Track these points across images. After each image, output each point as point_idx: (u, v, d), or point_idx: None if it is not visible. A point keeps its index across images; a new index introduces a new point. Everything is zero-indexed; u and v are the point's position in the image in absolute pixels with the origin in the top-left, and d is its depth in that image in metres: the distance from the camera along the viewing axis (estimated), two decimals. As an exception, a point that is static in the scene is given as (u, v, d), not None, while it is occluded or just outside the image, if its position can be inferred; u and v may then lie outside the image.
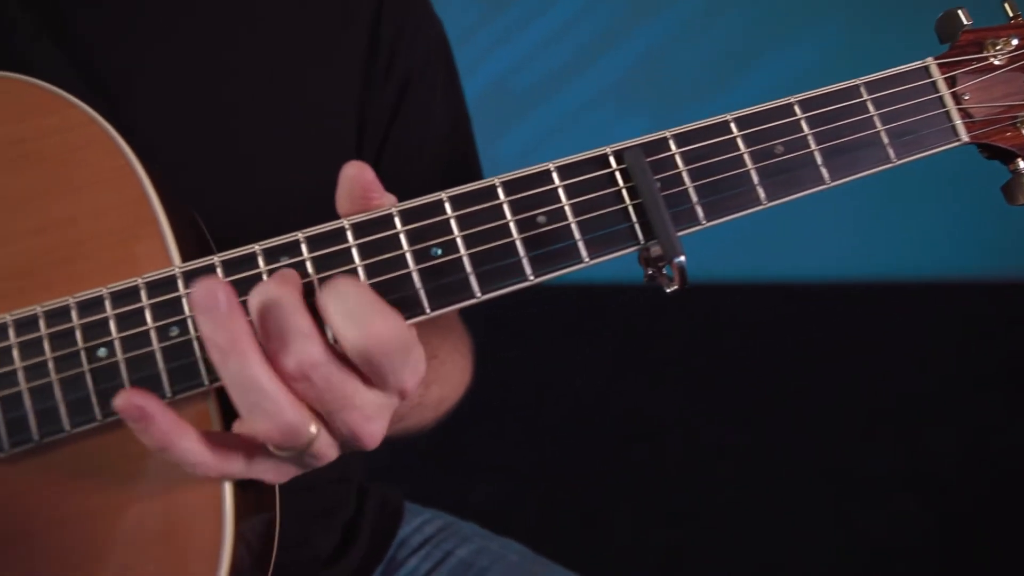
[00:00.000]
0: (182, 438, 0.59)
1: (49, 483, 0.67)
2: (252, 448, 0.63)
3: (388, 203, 0.67)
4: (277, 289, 0.60)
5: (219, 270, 0.67)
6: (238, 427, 0.64)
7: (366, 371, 0.60)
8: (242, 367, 0.58)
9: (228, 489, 0.66)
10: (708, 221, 0.69)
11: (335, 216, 0.94)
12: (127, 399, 0.57)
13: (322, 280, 0.66)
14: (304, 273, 0.66)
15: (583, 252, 0.68)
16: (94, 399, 0.65)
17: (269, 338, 0.59)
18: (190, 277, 0.66)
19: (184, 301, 0.66)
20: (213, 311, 0.58)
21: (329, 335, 0.61)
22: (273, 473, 0.64)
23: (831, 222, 2.57)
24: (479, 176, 1.04)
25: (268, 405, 0.58)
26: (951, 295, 2.86)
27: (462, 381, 0.98)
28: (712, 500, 2.33)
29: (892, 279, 2.97)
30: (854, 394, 2.58)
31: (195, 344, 0.66)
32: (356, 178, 0.65)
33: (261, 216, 0.87)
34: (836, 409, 2.54)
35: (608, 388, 2.70)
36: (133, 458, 0.67)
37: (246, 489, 0.68)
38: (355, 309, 0.58)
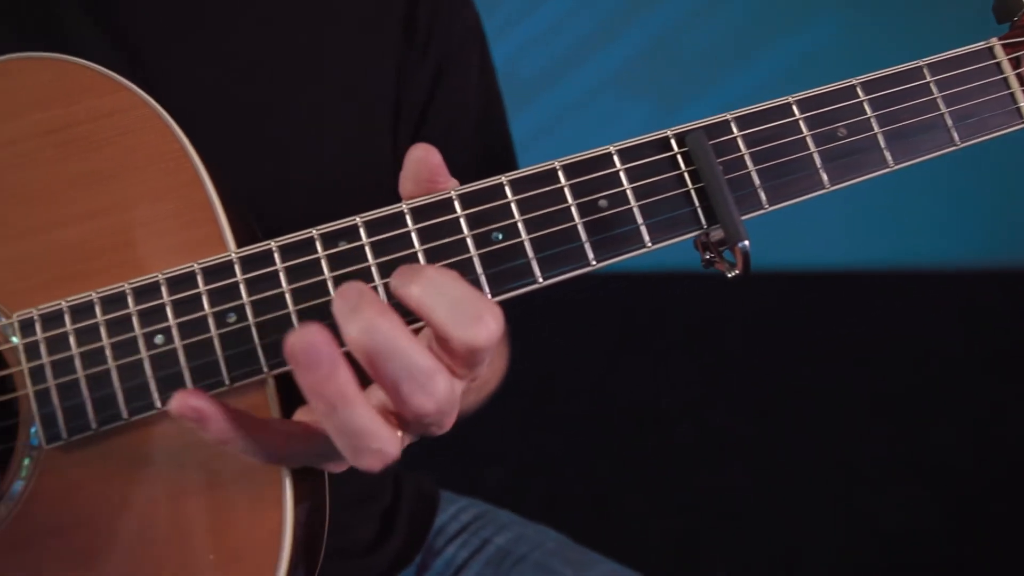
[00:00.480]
0: (240, 432, 0.58)
1: (107, 471, 0.65)
2: (313, 435, 0.61)
3: (451, 187, 0.66)
4: (386, 326, 0.53)
5: (276, 255, 0.65)
6: (303, 415, 0.63)
7: (462, 365, 0.58)
8: (351, 417, 0.54)
9: (288, 479, 0.65)
10: (771, 205, 0.69)
11: (372, 200, 0.93)
12: (183, 401, 0.55)
13: (381, 266, 0.64)
14: (363, 258, 0.65)
15: (645, 236, 0.67)
16: (152, 386, 0.64)
17: (385, 386, 0.55)
18: (247, 263, 0.65)
19: (241, 287, 0.65)
20: (315, 368, 0.52)
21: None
22: (336, 462, 0.63)
23: (835, 211, 2.57)
24: (513, 158, 1.03)
25: (376, 445, 0.56)
26: (956, 283, 2.87)
27: (501, 366, 0.97)
28: (721, 489, 2.33)
29: (897, 268, 2.98)
30: (861, 382, 2.59)
31: (253, 331, 0.65)
32: (423, 160, 0.64)
33: (297, 200, 0.87)
34: (843, 398, 2.54)
35: (614, 378, 2.69)
36: (190, 447, 0.66)
37: (302, 478, 0.67)
38: (463, 304, 0.55)
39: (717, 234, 0.69)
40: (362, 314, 0.53)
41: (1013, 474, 2.27)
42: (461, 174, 0.97)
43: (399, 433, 0.58)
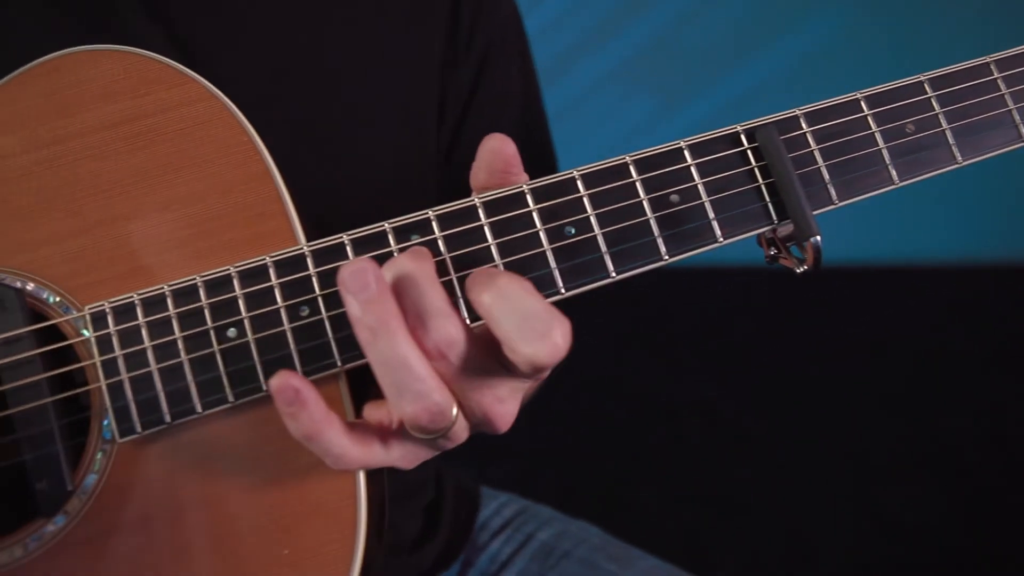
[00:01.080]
0: (329, 428, 0.58)
1: (178, 466, 0.65)
2: (387, 434, 0.61)
3: (523, 180, 0.66)
4: (412, 264, 0.58)
5: (348, 249, 0.65)
6: (372, 412, 0.63)
7: (523, 375, 0.58)
8: (392, 346, 0.56)
9: (362, 477, 0.65)
10: (841, 201, 0.69)
11: (416, 199, 0.93)
12: (285, 379, 0.56)
13: (454, 260, 0.64)
14: (436, 252, 0.64)
15: (717, 231, 0.67)
16: (225, 380, 0.64)
17: (406, 316, 0.57)
18: (319, 256, 0.65)
19: (314, 280, 0.65)
20: (363, 292, 0.56)
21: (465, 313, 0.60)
22: (407, 459, 0.63)
23: (844, 208, 2.58)
24: (552, 149, 1.03)
25: (417, 386, 0.57)
26: (964, 278, 2.88)
27: None
28: (730, 484, 2.34)
29: (903, 264, 2.99)
30: (870, 377, 2.60)
31: (326, 324, 0.64)
32: (498, 151, 0.64)
33: (343, 199, 0.86)
34: (852, 392, 2.55)
35: (623, 372, 2.70)
36: (262, 442, 0.66)
37: (372, 476, 0.66)
38: (531, 319, 0.55)
39: (785, 229, 0.69)
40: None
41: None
42: None
43: (449, 391, 0.58)
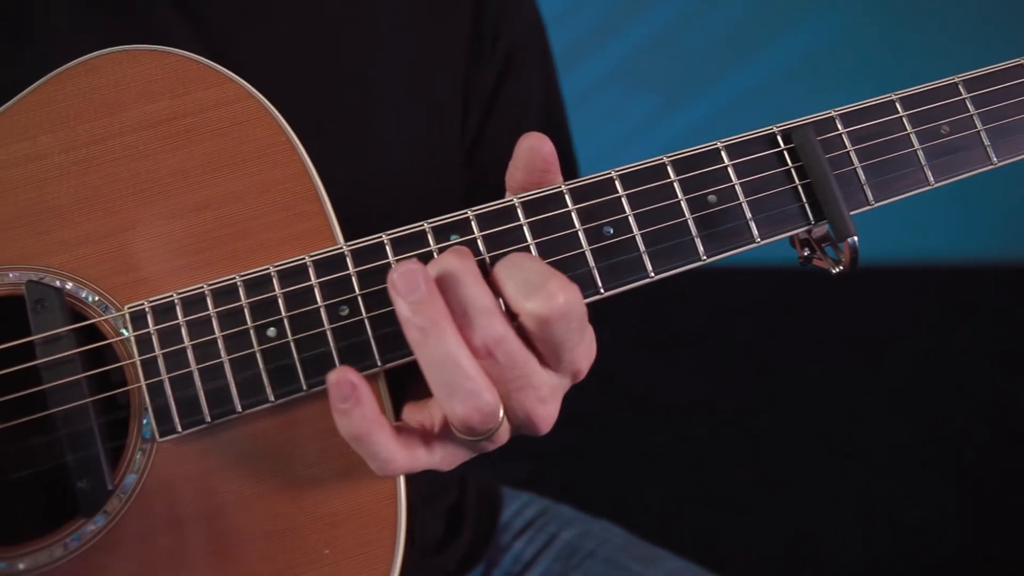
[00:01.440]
0: (380, 430, 0.58)
1: (217, 465, 0.65)
2: (430, 437, 0.62)
3: (559, 180, 0.66)
4: (457, 262, 0.59)
5: (388, 248, 0.65)
6: (413, 414, 0.63)
7: (543, 347, 0.59)
8: (443, 346, 0.56)
9: (402, 478, 0.65)
10: (876, 202, 0.69)
11: (442, 192, 0.93)
12: (344, 374, 0.56)
13: (493, 259, 0.65)
14: (475, 252, 0.65)
15: (755, 232, 0.68)
16: (266, 379, 0.64)
17: (452, 314, 0.58)
18: (358, 256, 0.65)
19: (354, 280, 0.65)
20: (413, 293, 0.56)
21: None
22: (448, 461, 0.63)
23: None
24: (573, 151, 1.03)
25: (469, 385, 0.57)
26: (970, 278, 2.89)
27: None
28: (736, 482, 2.34)
29: (907, 263, 3.00)
30: (874, 376, 2.60)
31: (366, 324, 0.65)
32: (536, 149, 0.64)
33: (370, 192, 0.86)
34: (857, 391, 2.56)
35: (628, 372, 2.70)
36: (300, 442, 0.66)
37: (408, 476, 0.67)
38: (533, 278, 0.58)
39: (820, 230, 0.69)
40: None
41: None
42: None
43: (498, 397, 0.58)
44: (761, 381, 2.62)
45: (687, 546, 2.16)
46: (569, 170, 0.90)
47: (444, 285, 0.58)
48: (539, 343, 0.59)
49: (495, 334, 0.57)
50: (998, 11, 2.69)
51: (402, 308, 0.57)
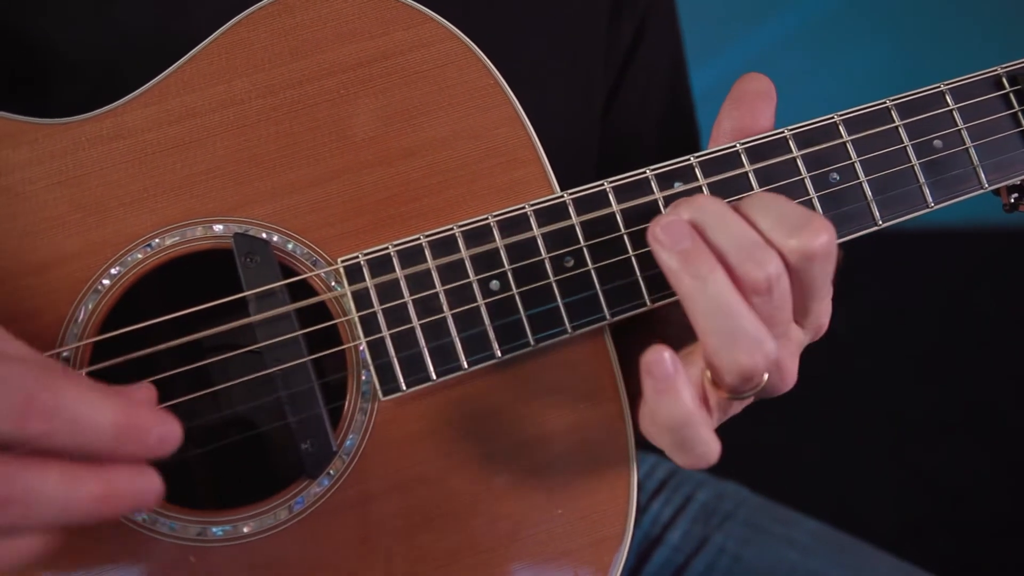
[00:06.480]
0: (700, 411, 0.56)
1: (437, 426, 0.62)
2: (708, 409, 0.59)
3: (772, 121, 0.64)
4: (712, 204, 0.56)
5: (611, 196, 0.62)
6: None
7: (797, 292, 0.56)
8: (721, 292, 0.53)
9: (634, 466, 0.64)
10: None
11: (584, 151, 0.89)
12: (661, 352, 0.54)
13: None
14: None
15: (983, 178, 0.66)
16: (492, 334, 0.61)
17: (725, 256, 0.55)
18: (580, 203, 0.62)
19: (578, 229, 0.62)
20: (679, 244, 0.54)
21: None
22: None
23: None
24: (694, 117, 1.00)
25: (752, 331, 0.53)
26: (990, 240, 2.90)
27: None
28: (768, 444, 2.33)
29: (931, 226, 3.00)
30: (906, 337, 2.60)
31: (593, 276, 0.62)
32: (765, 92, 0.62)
33: None
34: (882, 355, 2.56)
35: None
36: (520, 400, 0.63)
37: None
38: (792, 216, 0.55)
39: (1034, 176, 0.67)
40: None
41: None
42: (654, 130, 0.94)
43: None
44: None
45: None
46: (694, 147, 0.87)
47: (704, 230, 0.55)
48: (794, 288, 0.56)
49: (775, 268, 0.54)
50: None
51: (670, 260, 0.54)
